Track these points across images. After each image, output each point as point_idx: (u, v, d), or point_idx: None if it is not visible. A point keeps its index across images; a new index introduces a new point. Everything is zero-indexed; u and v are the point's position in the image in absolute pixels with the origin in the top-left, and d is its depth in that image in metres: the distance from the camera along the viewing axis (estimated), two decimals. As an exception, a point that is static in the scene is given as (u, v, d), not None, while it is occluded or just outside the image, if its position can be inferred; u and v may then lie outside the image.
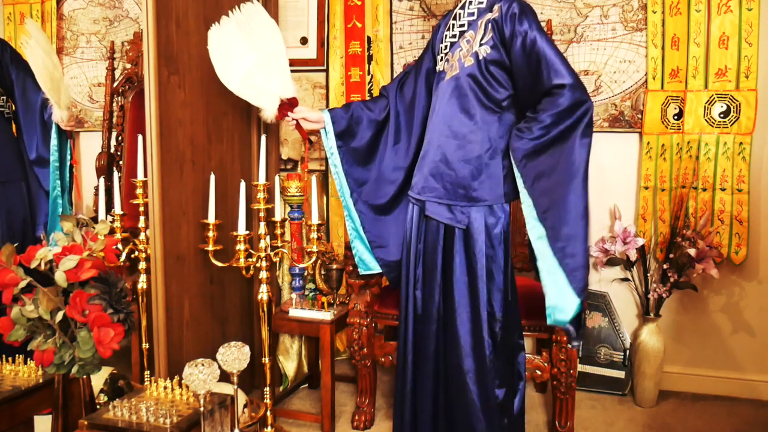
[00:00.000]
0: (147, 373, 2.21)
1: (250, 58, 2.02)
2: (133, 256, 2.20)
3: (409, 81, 2.15)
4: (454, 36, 1.97)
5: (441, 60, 2.02)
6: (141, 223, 2.19)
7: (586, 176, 1.84)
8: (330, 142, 2.12)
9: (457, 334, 1.91)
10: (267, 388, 2.08)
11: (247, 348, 1.73)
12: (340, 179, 2.15)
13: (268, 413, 2.07)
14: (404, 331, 2.04)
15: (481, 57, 1.87)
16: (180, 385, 1.73)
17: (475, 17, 1.93)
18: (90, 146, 3.51)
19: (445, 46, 2.00)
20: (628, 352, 2.73)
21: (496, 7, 1.87)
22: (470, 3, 1.95)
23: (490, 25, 1.87)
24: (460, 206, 1.91)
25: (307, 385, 2.87)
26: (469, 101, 1.90)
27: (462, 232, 1.91)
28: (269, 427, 2.06)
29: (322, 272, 2.66)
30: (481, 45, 1.87)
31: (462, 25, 1.95)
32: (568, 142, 1.82)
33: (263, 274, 2.03)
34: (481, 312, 1.89)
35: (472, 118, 1.90)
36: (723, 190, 2.62)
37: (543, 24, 2.77)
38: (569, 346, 2.13)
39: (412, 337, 2.02)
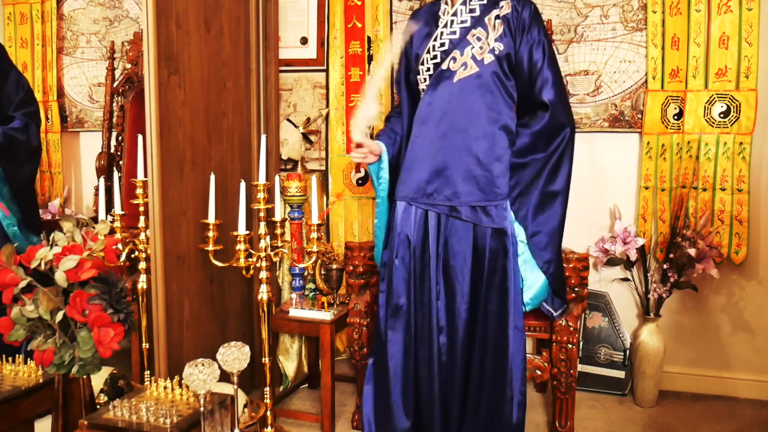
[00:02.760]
0: (147, 373, 2.21)
1: None
2: (133, 256, 2.20)
3: (403, 91, 2.13)
4: (454, 33, 1.94)
5: (440, 59, 1.95)
6: (141, 223, 2.19)
7: (566, 196, 1.98)
8: (383, 173, 2.07)
9: (487, 338, 1.92)
10: (267, 388, 2.07)
11: (247, 348, 1.73)
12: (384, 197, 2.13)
13: (268, 413, 2.07)
14: (429, 343, 1.95)
15: (497, 53, 1.89)
16: (180, 385, 1.73)
17: (478, 14, 1.92)
18: (90, 146, 3.52)
19: (442, 44, 1.95)
20: (628, 352, 2.73)
21: (504, 4, 1.89)
22: (464, 1, 1.95)
23: (499, 21, 1.89)
24: (495, 205, 1.91)
25: (307, 385, 2.87)
26: (495, 98, 1.91)
27: (494, 231, 1.90)
28: (269, 427, 2.06)
29: (322, 272, 2.66)
30: (496, 41, 1.89)
31: (464, 22, 1.93)
32: (547, 169, 1.94)
33: (263, 274, 2.03)
34: (510, 310, 1.89)
35: (499, 114, 1.91)
36: (723, 190, 2.62)
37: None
38: (554, 314, 2.08)
39: (438, 350, 1.95)
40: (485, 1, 1.93)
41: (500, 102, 1.91)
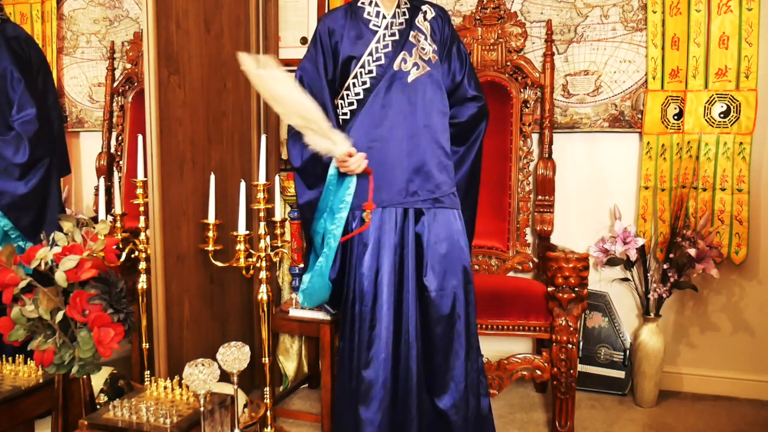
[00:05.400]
0: (147, 373, 2.22)
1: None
2: (133, 256, 2.21)
3: (320, 95, 2.02)
4: (393, 35, 1.98)
5: (384, 60, 1.96)
6: (141, 223, 2.19)
7: (480, 176, 2.18)
8: (353, 182, 1.97)
9: (466, 312, 2.01)
10: (267, 388, 2.08)
11: (247, 348, 1.73)
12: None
13: (268, 413, 2.07)
14: (412, 336, 1.95)
15: (437, 52, 2.02)
16: (180, 385, 1.74)
17: (408, 17, 2.01)
18: (90, 146, 3.52)
19: (386, 46, 1.97)
20: (628, 352, 2.73)
21: (426, 9, 2.04)
22: (398, 4, 2.01)
23: (427, 23, 2.03)
24: (456, 190, 2.05)
25: (307, 385, 2.87)
26: (442, 94, 2.04)
27: (458, 212, 2.03)
28: (269, 427, 2.06)
29: (322, 272, 2.65)
30: (432, 42, 2.02)
31: (401, 24, 2.00)
32: (471, 154, 2.12)
33: (263, 274, 2.03)
34: (471, 284, 2.05)
35: (446, 108, 2.05)
36: (723, 190, 2.62)
37: (543, 24, 2.80)
38: None
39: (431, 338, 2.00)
40: (409, 5, 2.03)
41: (445, 97, 2.04)
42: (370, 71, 1.97)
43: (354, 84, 1.99)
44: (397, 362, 1.95)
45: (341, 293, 2.05)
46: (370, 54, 1.98)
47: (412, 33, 1.99)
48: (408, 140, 1.96)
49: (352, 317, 1.97)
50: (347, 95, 2.01)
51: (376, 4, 2.00)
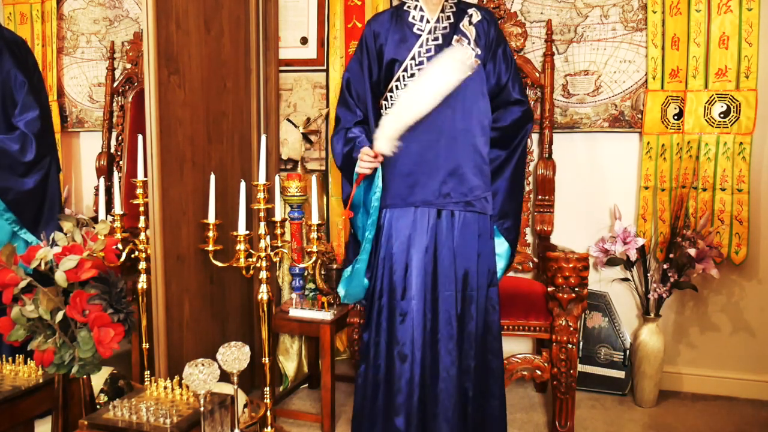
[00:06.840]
0: (147, 373, 2.21)
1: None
2: (133, 256, 2.20)
3: (363, 95, 2.10)
4: (437, 39, 2.00)
5: (426, 64, 1.98)
6: (141, 223, 2.19)
7: (525, 176, 2.24)
8: (379, 181, 2.04)
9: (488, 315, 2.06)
10: (267, 388, 2.08)
11: (247, 348, 1.73)
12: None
13: (268, 413, 2.07)
14: (447, 335, 1.99)
15: (480, 57, 2.01)
16: (180, 385, 1.73)
17: (453, 20, 2.02)
18: (90, 146, 3.52)
19: (428, 50, 1.99)
20: (628, 352, 2.73)
21: (473, 12, 2.03)
22: (442, 9, 2.02)
23: (472, 27, 2.01)
24: (489, 194, 2.06)
25: (307, 385, 2.87)
26: (484, 98, 2.02)
27: (489, 216, 2.06)
28: (269, 427, 2.06)
29: (322, 272, 2.65)
30: (476, 46, 2.00)
31: (444, 28, 2.01)
32: (514, 158, 2.12)
33: (263, 274, 2.03)
34: (497, 287, 2.10)
35: (486, 113, 2.05)
36: (723, 190, 2.62)
37: (543, 24, 2.80)
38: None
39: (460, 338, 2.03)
40: (455, 9, 2.04)
41: (486, 101, 2.03)
42: (413, 75, 2.00)
43: (397, 87, 2.03)
44: (436, 359, 1.97)
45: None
46: (413, 58, 2.01)
47: (455, 37, 1.99)
48: (445, 143, 1.98)
49: (379, 309, 2.02)
50: (390, 97, 2.05)
51: (421, 9, 2.02)
